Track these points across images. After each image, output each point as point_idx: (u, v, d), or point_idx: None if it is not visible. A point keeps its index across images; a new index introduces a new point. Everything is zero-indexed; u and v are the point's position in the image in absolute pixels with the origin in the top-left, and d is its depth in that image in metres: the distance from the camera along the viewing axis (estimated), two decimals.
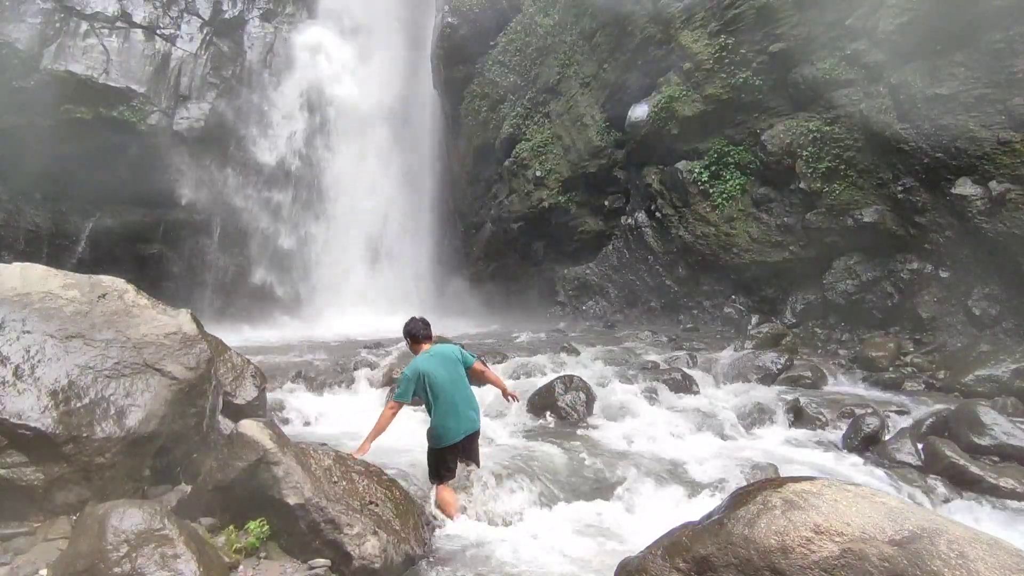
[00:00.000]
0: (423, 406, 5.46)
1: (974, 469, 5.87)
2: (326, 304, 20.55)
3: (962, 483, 5.83)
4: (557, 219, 17.84)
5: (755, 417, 7.78)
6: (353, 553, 3.99)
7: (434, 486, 5.23)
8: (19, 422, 4.13)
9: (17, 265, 5.18)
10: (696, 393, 8.79)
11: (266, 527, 4.15)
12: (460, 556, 4.50)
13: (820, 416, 7.63)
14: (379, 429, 5.25)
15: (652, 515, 5.32)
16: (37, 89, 17.85)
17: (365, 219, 21.70)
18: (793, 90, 13.07)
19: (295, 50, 21.69)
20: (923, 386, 9.28)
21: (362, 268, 21.40)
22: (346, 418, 7.81)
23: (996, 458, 6.19)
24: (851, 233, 12.03)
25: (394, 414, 5.31)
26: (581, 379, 8.05)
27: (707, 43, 14.15)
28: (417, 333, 5.64)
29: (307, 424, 7.70)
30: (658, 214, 15.69)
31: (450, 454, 5.23)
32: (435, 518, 5.00)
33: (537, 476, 5.69)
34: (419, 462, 5.56)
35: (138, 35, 19.68)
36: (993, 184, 10.04)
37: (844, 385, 9.59)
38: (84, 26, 18.92)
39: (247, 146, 21.11)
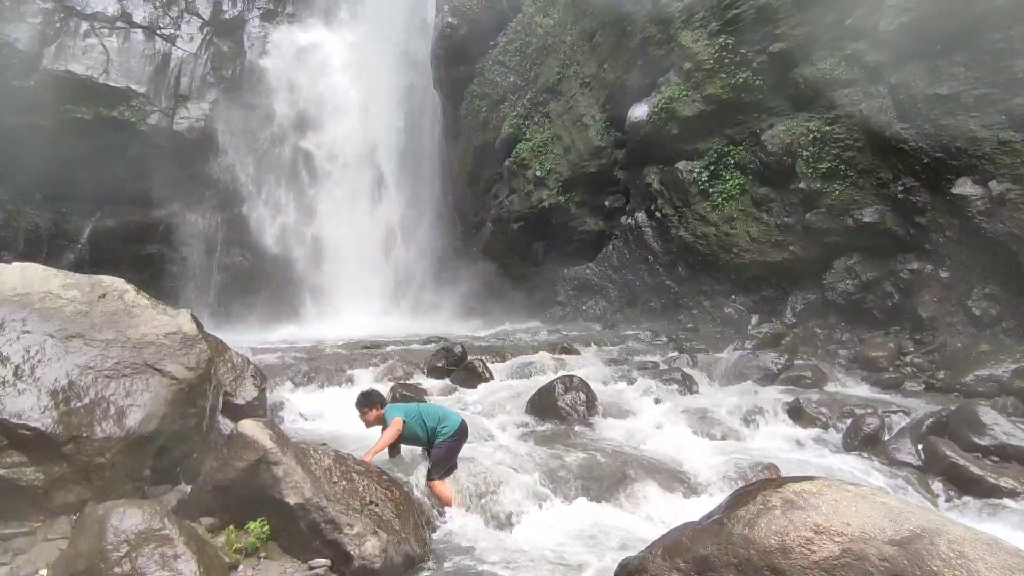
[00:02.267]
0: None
1: (974, 469, 5.87)
2: (326, 304, 20.55)
3: (962, 483, 5.83)
4: (557, 219, 17.83)
5: (755, 417, 7.78)
6: (353, 553, 3.99)
7: (433, 480, 5.32)
8: (19, 422, 4.13)
9: (17, 265, 5.18)
10: (696, 393, 8.79)
11: (266, 527, 4.15)
12: (460, 556, 4.49)
13: (820, 416, 7.63)
14: (386, 442, 5.42)
15: (652, 515, 5.32)
16: (37, 89, 17.85)
17: (364, 219, 21.71)
18: (793, 90, 13.06)
19: (295, 50, 21.69)
20: (923, 386, 9.27)
21: (361, 268, 21.39)
22: (346, 418, 7.79)
23: (996, 458, 6.19)
24: (851, 233, 12.02)
25: (398, 431, 5.46)
26: (581, 379, 8.04)
27: (707, 43, 14.14)
28: (384, 401, 5.94)
29: (307, 424, 7.70)
30: (658, 214, 15.68)
31: (459, 444, 5.56)
32: (439, 513, 5.05)
33: (537, 476, 5.69)
34: (418, 462, 5.56)
35: (138, 35, 19.70)
36: (993, 184, 10.04)
37: (844, 385, 9.58)
38: (84, 26, 18.94)
39: (246, 146, 21.11)
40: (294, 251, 21.32)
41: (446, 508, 5.16)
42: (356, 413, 5.82)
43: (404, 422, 5.45)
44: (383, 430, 5.53)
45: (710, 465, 6.12)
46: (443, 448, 5.45)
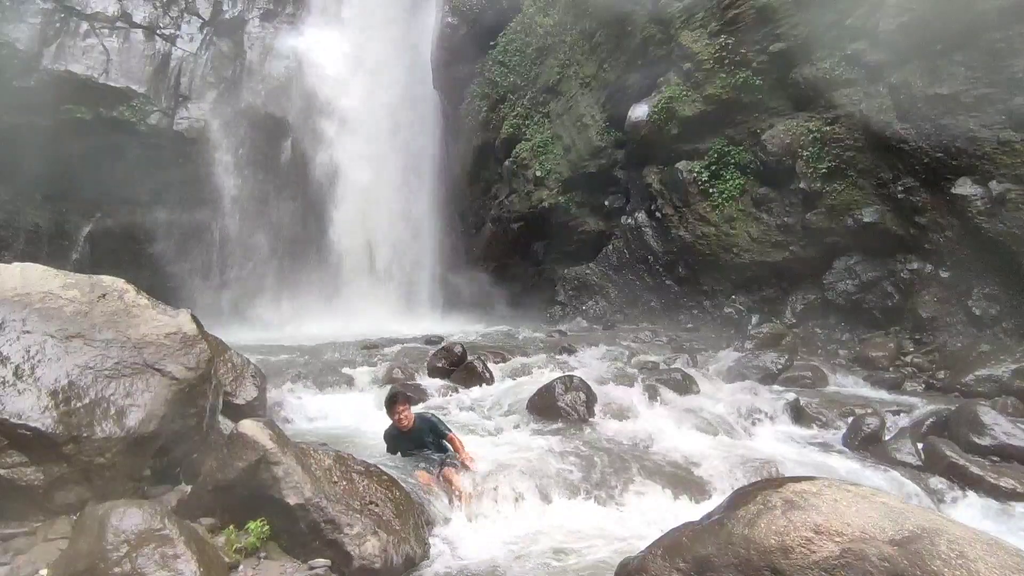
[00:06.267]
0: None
1: (974, 469, 5.87)
2: (326, 304, 20.55)
3: (962, 483, 5.82)
4: (557, 219, 17.83)
5: (755, 417, 7.78)
6: (353, 553, 3.99)
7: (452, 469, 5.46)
8: (19, 422, 4.13)
9: (17, 265, 5.17)
10: (696, 393, 8.78)
11: (266, 527, 4.15)
12: (460, 556, 4.49)
13: (820, 416, 7.64)
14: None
15: (652, 515, 5.32)
16: (37, 89, 17.86)
17: (365, 219, 21.71)
18: (793, 90, 13.06)
19: (295, 50, 21.70)
20: (923, 386, 9.29)
21: (362, 268, 21.40)
22: (346, 417, 7.81)
23: (996, 458, 6.19)
24: (851, 233, 12.02)
25: None
26: (581, 379, 8.03)
27: (707, 43, 14.15)
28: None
29: (307, 423, 7.70)
30: (658, 214, 15.69)
31: None
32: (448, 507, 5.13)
33: (537, 476, 5.68)
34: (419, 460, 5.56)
35: (138, 35, 19.71)
36: (993, 184, 10.04)
37: (844, 385, 9.58)
38: (84, 26, 18.95)
39: (246, 146, 21.11)
40: (292, 252, 21.32)
41: (459, 498, 5.19)
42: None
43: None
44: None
45: (710, 465, 6.11)
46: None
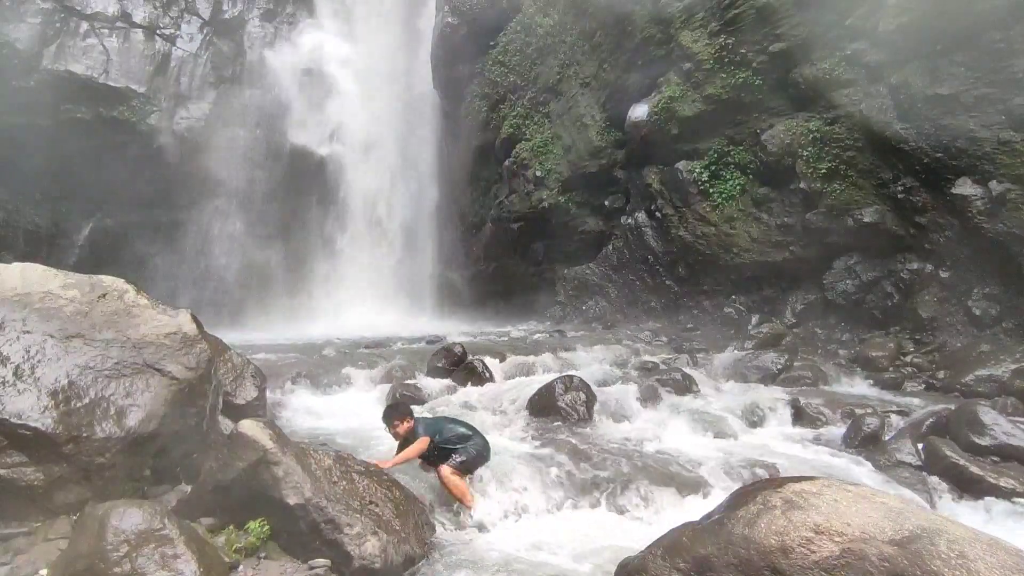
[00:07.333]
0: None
1: (974, 469, 5.87)
2: (325, 304, 20.56)
3: (962, 483, 5.83)
4: (557, 219, 17.84)
5: (755, 417, 7.79)
6: (353, 553, 3.99)
7: (452, 471, 5.29)
8: (19, 422, 4.13)
9: (17, 265, 5.17)
10: (696, 393, 8.79)
11: (266, 527, 4.15)
12: (460, 556, 4.49)
13: (820, 416, 7.64)
14: (407, 457, 5.36)
15: (652, 515, 5.32)
16: (37, 89, 17.85)
17: (364, 219, 21.72)
18: (793, 90, 13.06)
19: (295, 50, 21.70)
20: (923, 386, 9.29)
21: (361, 268, 21.40)
22: (346, 417, 7.81)
23: (996, 458, 6.19)
24: (851, 233, 12.02)
25: (422, 450, 5.41)
26: (581, 379, 8.03)
27: (707, 43, 14.15)
28: (412, 412, 5.79)
29: (307, 424, 7.69)
30: (658, 214, 15.69)
31: (482, 459, 5.60)
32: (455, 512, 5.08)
33: (536, 476, 5.68)
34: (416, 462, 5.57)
35: (138, 35, 19.70)
36: (993, 184, 10.05)
37: (844, 385, 9.59)
38: (84, 26, 18.94)
39: (245, 146, 21.11)
40: (293, 252, 21.32)
41: (466, 506, 5.12)
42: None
43: (431, 441, 5.40)
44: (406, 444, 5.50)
45: (710, 465, 6.11)
46: (473, 452, 5.45)
